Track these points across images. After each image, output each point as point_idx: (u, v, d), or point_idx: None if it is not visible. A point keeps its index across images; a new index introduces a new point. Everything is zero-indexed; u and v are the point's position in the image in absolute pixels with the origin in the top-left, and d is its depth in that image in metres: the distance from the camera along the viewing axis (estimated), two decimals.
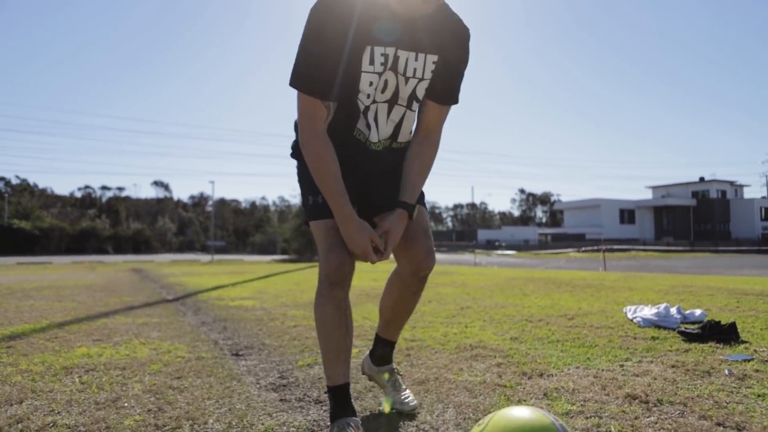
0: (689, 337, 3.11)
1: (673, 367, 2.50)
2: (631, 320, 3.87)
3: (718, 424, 1.75)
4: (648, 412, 1.89)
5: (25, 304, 5.74)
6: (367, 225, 1.64)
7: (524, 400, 2.04)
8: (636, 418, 1.83)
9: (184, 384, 2.34)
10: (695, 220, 53.51)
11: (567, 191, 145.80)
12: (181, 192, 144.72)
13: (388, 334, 2.05)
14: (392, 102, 1.70)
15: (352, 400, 1.75)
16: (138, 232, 61.47)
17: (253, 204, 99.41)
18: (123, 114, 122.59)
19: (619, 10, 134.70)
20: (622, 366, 2.55)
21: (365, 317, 4.36)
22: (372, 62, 1.61)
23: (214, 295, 6.81)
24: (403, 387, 2.02)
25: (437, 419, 1.87)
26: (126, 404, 2.06)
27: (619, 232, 53.14)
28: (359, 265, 1.94)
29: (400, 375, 2.10)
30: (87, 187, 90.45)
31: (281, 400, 2.13)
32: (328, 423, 1.75)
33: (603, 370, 2.49)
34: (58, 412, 1.96)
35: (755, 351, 2.80)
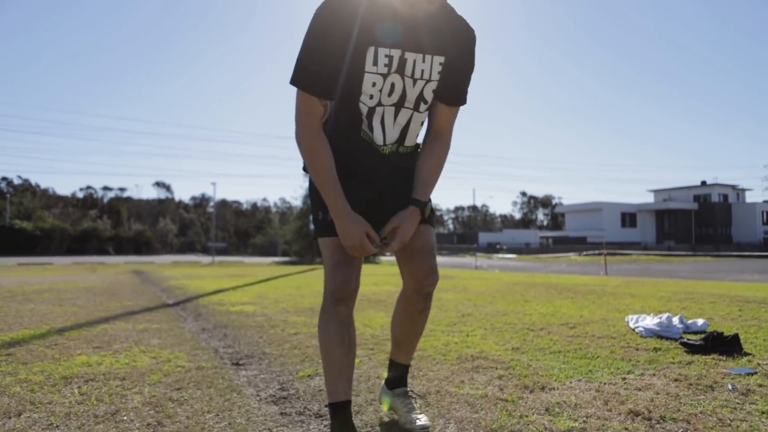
0: (692, 349, 3.09)
1: (675, 380, 2.48)
2: (633, 330, 3.85)
3: None
4: (651, 429, 1.87)
5: (25, 308, 5.74)
6: (362, 219, 1.64)
7: (526, 416, 2.03)
8: None
9: (184, 396, 2.33)
10: (697, 224, 53.43)
11: (568, 194, 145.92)
12: (183, 193, 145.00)
13: (400, 357, 2.03)
14: (399, 105, 1.71)
15: (353, 417, 1.74)
16: (139, 233, 61.50)
17: (254, 205, 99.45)
18: (125, 115, 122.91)
19: (621, 13, 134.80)
20: (624, 379, 2.53)
21: (366, 324, 4.35)
22: (375, 63, 1.62)
23: (215, 299, 6.80)
24: (417, 409, 1.97)
25: None
26: (125, 417, 2.05)
27: (620, 236, 53.07)
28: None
29: (414, 398, 2.06)
30: (89, 187, 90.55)
31: (281, 413, 2.12)
32: None
33: (605, 383, 2.47)
34: (57, 426, 1.95)
35: (758, 364, 2.79)
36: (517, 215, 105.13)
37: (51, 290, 8.24)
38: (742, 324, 4.21)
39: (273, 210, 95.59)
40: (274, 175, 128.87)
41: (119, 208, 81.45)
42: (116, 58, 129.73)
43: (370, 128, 1.72)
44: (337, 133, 1.72)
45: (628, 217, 55.93)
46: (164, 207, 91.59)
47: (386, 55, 1.63)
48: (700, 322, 3.89)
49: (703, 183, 55.41)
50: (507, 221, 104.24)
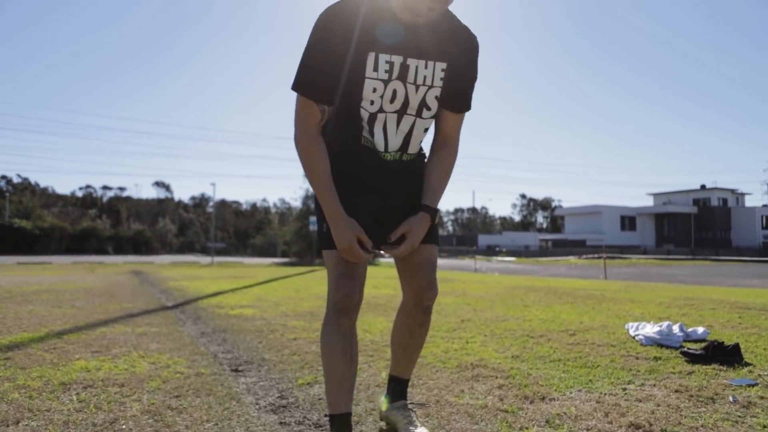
0: (692, 359, 3.08)
1: (676, 392, 2.48)
2: (633, 338, 3.84)
3: None
4: None
5: (24, 310, 5.72)
6: (355, 223, 1.65)
7: (526, 428, 2.02)
8: None
9: (183, 404, 2.32)
10: (696, 228, 53.45)
11: (568, 197, 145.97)
12: (182, 193, 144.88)
13: (400, 371, 2.03)
14: (401, 112, 1.71)
15: (352, 428, 1.73)
16: (138, 233, 61.45)
17: (253, 206, 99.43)
18: (125, 114, 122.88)
19: (620, 16, 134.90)
20: (624, 390, 2.52)
21: (365, 330, 4.33)
22: (376, 69, 1.64)
23: (214, 302, 6.79)
24: (416, 422, 1.96)
25: None
26: (124, 426, 2.04)
27: (619, 239, 53.09)
28: None
29: (415, 411, 2.06)
30: (88, 186, 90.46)
31: (281, 423, 2.11)
32: None
33: (605, 393, 2.46)
34: None
35: (759, 375, 2.78)
36: (517, 217, 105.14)
37: (50, 291, 8.23)
38: (743, 332, 4.20)
39: (272, 210, 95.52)
40: (273, 176, 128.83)
41: (119, 207, 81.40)
42: (116, 58, 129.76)
43: (372, 134, 1.72)
44: (338, 138, 1.75)
45: (628, 221, 55.95)
46: (164, 207, 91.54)
47: (387, 61, 1.64)
48: (701, 330, 3.88)
49: (703, 187, 55.42)
50: (506, 223, 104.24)
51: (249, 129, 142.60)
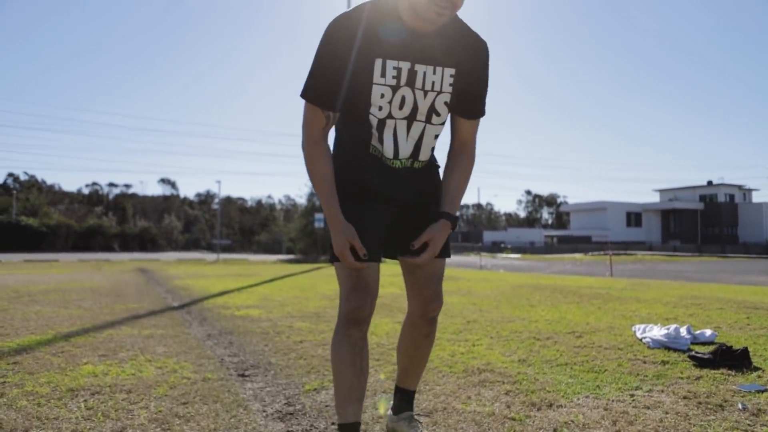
0: (700, 363, 3.06)
1: (685, 398, 2.46)
2: (640, 340, 3.83)
3: None
4: None
5: (31, 311, 5.75)
6: (351, 228, 1.67)
7: None
8: None
9: (190, 411, 2.32)
10: (703, 224, 53.19)
11: (573, 193, 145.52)
12: (188, 189, 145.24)
13: (406, 383, 2.03)
14: (411, 118, 1.72)
15: None
16: (144, 230, 61.71)
17: (259, 202, 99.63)
18: (129, 112, 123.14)
19: (626, 12, 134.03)
20: (632, 396, 2.51)
21: (371, 332, 4.33)
22: (383, 75, 1.65)
23: (220, 302, 6.81)
24: None
25: None
26: None
27: (625, 235, 52.89)
28: None
29: (421, 422, 2.06)
30: (94, 183, 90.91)
31: (288, 431, 2.11)
32: None
33: (613, 400, 2.45)
34: None
35: None
36: (522, 214, 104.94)
37: (57, 290, 8.27)
38: (751, 334, 4.18)
39: (278, 207, 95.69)
40: (278, 173, 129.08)
41: (125, 204, 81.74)
42: (119, 55, 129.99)
43: (381, 141, 1.73)
44: (348, 145, 1.78)
45: (634, 217, 55.73)
46: (169, 203, 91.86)
47: (395, 67, 1.66)
48: (708, 332, 3.86)
49: (710, 183, 55.13)
50: (512, 220, 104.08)
51: (253, 125, 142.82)
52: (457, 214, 1.83)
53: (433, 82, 1.69)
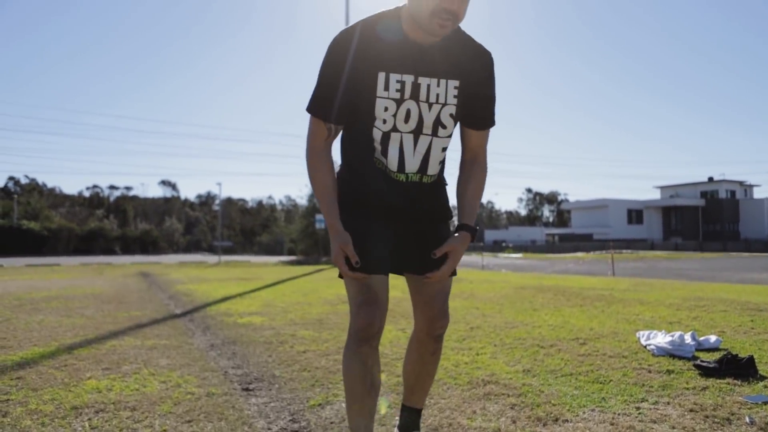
0: (706, 372, 3.05)
1: (691, 411, 2.45)
2: (645, 347, 3.82)
3: None
4: None
5: (34, 320, 5.75)
6: (346, 235, 1.68)
7: None
8: None
9: (195, 429, 2.31)
10: (704, 221, 53.16)
11: (574, 190, 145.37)
12: (188, 191, 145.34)
13: (413, 401, 2.02)
14: (417, 132, 1.72)
15: None
16: (146, 233, 61.77)
17: (259, 203, 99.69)
18: (127, 113, 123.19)
19: (627, 9, 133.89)
20: (638, 409, 2.50)
21: None
22: (387, 88, 1.67)
23: (223, 308, 6.80)
24: None
25: None
26: None
27: (627, 233, 52.88)
28: None
29: None
30: (95, 186, 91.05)
31: None
32: None
33: (619, 413, 2.44)
34: None
35: None
36: (523, 212, 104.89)
37: (59, 298, 8.27)
38: (755, 338, 4.17)
39: (278, 208, 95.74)
40: (279, 173, 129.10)
41: (125, 206, 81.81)
42: (115, 57, 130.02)
43: (385, 154, 1.73)
44: (353, 157, 1.79)
45: (635, 214, 55.71)
46: (170, 205, 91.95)
47: (398, 81, 1.67)
48: (713, 338, 3.85)
49: (711, 179, 55.10)
50: (512, 218, 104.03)
51: (253, 126, 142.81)
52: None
53: (438, 95, 1.71)
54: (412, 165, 1.75)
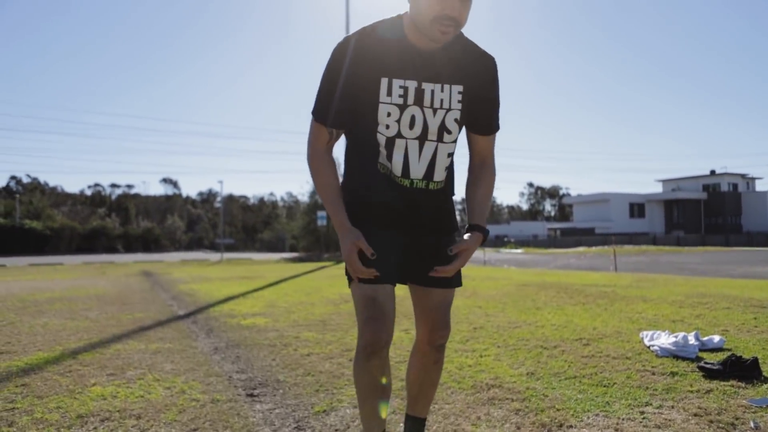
0: (710, 374, 3.05)
1: (695, 415, 2.45)
2: (648, 348, 3.82)
3: None
4: None
5: (38, 323, 5.77)
6: (357, 232, 1.68)
7: None
8: None
9: None
10: (706, 214, 53.07)
11: (575, 184, 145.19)
12: (190, 188, 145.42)
13: (417, 411, 2.03)
14: (422, 138, 1.73)
15: None
16: (148, 231, 61.91)
17: (261, 200, 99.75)
18: (130, 112, 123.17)
19: (628, 2, 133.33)
20: (642, 413, 2.50)
21: None
22: (390, 93, 1.68)
23: (226, 309, 6.81)
24: None
25: None
26: None
27: (629, 227, 52.83)
28: None
29: None
30: (96, 185, 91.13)
31: None
32: None
33: (623, 418, 2.44)
34: None
35: None
36: (525, 206, 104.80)
37: (62, 299, 8.29)
38: (759, 338, 4.17)
39: (280, 204, 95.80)
40: (280, 170, 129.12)
41: (127, 205, 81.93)
42: (114, 55, 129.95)
43: (390, 159, 1.73)
44: (358, 163, 1.80)
45: (637, 208, 55.64)
46: (172, 203, 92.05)
47: (401, 86, 1.68)
48: (716, 339, 3.85)
49: (712, 172, 54.97)
50: (514, 212, 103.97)
51: (254, 123, 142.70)
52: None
53: (442, 100, 1.72)
54: (417, 171, 1.75)
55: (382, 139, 1.72)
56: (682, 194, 54.25)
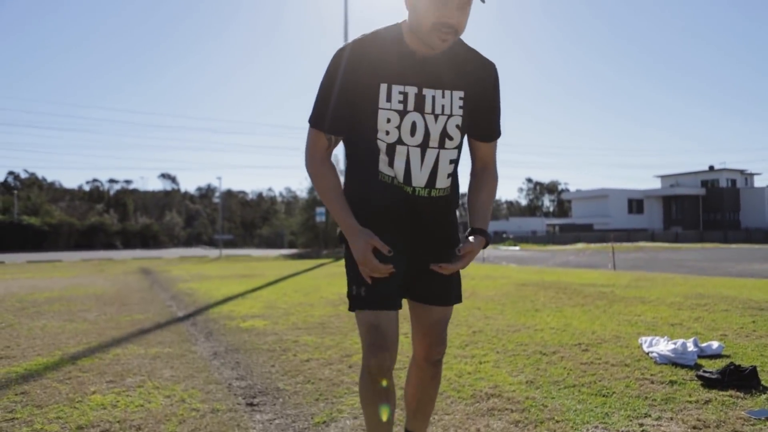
0: (708, 383, 3.06)
1: (694, 428, 2.46)
2: (647, 354, 3.82)
3: None
4: None
5: (36, 325, 5.76)
6: (369, 232, 1.67)
7: None
8: None
9: None
10: (705, 210, 53.15)
11: (574, 179, 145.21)
12: (188, 184, 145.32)
13: (415, 426, 2.04)
14: (424, 145, 1.72)
15: None
16: (146, 227, 61.92)
17: (259, 195, 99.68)
18: (127, 107, 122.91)
19: None
20: (641, 425, 2.51)
21: None
22: (389, 99, 1.67)
23: (225, 311, 6.81)
24: None
25: None
26: None
27: (627, 222, 52.91)
28: None
29: None
30: (95, 180, 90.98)
31: None
32: None
33: (622, 431, 2.45)
34: None
35: None
36: (523, 201, 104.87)
37: (61, 299, 8.28)
38: (758, 343, 4.18)
39: (278, 200, 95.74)
40: (278, 165, 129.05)
41: (126, 200, 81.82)
42: (111, 49, 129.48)
43: (391, 165, 1.72)
44: (358, 171, 1.79)
45: (635, 204, 55.72)
46: (170, 198, 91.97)
47: (400, 92, 1.68)
48: (715, 345, 3.86)
49: (711, 168, 55.00)
50: (513, 208, 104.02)
51: (252, 118, 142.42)
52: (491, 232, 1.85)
53: (443, 106, 1.71)
54: (419, 179, 1.73)
55: (382, 146, 1.70)
56: (680, 190, 54.32)
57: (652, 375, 3.34)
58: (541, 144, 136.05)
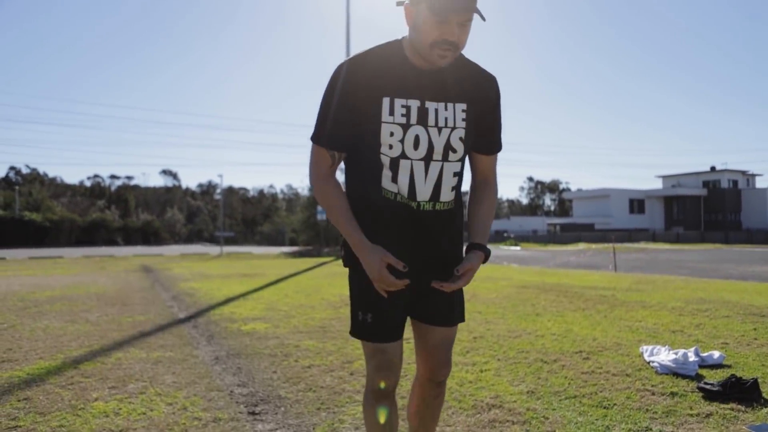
0: (709, 395, 3.06)
1: None
2: (648, 363, 3.83)
3: None
4: None
5: (38, 326, 5.78)
6: (380, 248, 1.66)
7: None
8: None
9: None
10: (706, 210, 53.10)
11: (575, 179, 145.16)
12: (190, 180, 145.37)
13: None
14: (428, 158, 1.71)
15: None
16: (147, 224, 61.97)
17: (261, 192, 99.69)
18: (129, 102, 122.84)
19: None
20: None
21: None
22: (392, 113, 1.67)
23: (226, 312, 6.82)
24: None
25: None
26: None
27: (628, 222, 52.87)
28: None
29: None
30: (96, 176, 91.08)
31: None
32: None
33: None
34: None
35: None
36: (524, 201, 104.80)
37: (62, 299, 8.30)
38: (759, 352, 4.18)
39: (280, 197, 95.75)
40: (280, 162, 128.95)
41: (127, 196, 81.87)
42: (115, 45, 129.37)
43: (395, 181, 1.71)
44: (361, 184, 1.77)
45: (637, 204, 55.67)
46: (171, 195, 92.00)
47: (403, 105, 1.67)
48: (716, 354, 3.86)
49: (713, 169, 54.93)
50: (514, 207, 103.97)
51: (253, 115, 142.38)
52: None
53: (446, 118, 1.71)
54: (423, 193, 1.72)
55: (386, 161, 1.69)
56: (682, 190, 54.26)
57: (653, 386, 3.34)
58: (543, 143, 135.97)
